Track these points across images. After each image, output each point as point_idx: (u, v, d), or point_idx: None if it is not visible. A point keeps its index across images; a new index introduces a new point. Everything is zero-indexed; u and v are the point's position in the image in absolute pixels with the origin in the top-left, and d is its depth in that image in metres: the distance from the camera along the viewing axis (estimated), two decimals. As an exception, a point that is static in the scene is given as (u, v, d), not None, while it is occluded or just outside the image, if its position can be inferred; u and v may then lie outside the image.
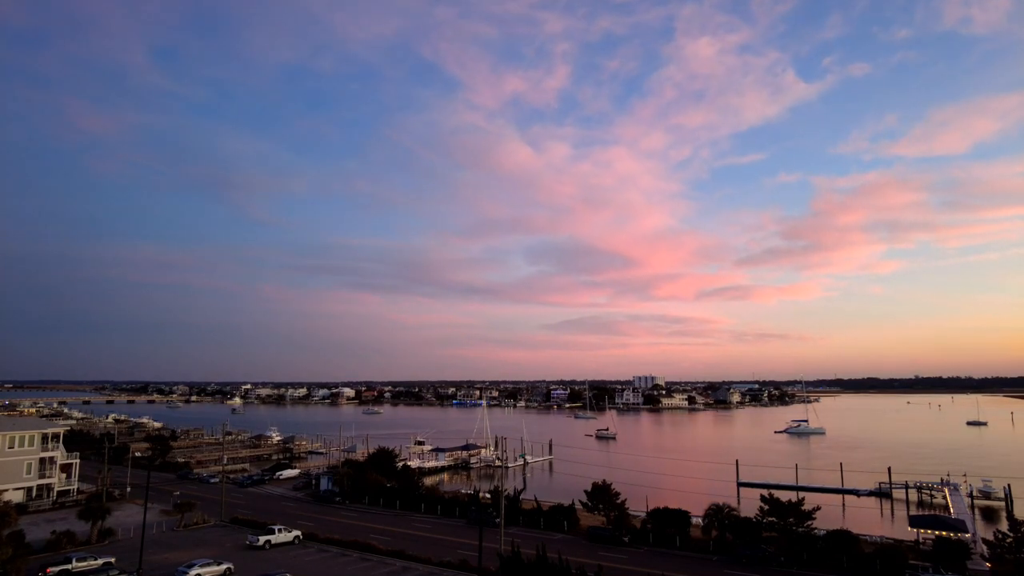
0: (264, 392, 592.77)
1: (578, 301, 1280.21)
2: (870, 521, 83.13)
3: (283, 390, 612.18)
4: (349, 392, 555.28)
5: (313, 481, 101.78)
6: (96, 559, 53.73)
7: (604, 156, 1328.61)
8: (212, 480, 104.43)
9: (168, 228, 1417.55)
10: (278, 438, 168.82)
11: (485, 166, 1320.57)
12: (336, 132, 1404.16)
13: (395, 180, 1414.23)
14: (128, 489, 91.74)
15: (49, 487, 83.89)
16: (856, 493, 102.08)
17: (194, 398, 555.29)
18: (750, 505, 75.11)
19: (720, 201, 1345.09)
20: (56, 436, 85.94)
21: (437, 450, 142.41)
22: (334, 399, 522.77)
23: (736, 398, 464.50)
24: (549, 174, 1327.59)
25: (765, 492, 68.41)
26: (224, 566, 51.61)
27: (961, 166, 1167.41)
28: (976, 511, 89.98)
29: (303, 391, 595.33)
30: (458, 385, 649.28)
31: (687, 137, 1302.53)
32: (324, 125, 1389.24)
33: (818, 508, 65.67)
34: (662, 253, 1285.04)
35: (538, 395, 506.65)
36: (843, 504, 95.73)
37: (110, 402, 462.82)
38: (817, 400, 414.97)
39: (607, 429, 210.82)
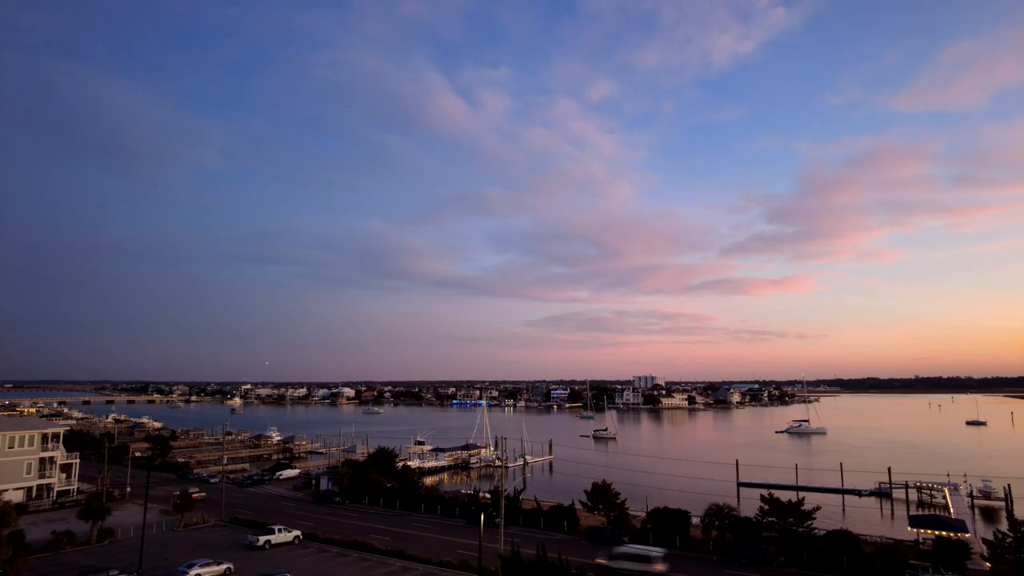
0: (264, 392, 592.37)
1: (559, 296, 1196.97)
2: (870, 521, 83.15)
3: (283, 390, 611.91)
4: (349, 392, 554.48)
5: (313, 481, 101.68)
6: None
7: (550, 112, 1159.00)
8: (212, 480, 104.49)
9: (67, 208, 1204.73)
10: (278, 438, 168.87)
11: (415, 126, 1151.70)
12: (228, 79, 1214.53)
13: (313, 146, 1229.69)
14: (128, 489, 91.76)
15: (49, 487, 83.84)
16: (856, 493, 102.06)
17: (194, 398, 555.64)
18: (750, 505, 75.17)
19: (693, 172, 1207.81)
20: (56, 436, 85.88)
21: (437, 450, 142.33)
22: (334, 399, 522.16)
23: (736, 398, 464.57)
24: (492, 138, 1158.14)
25: (765, 492, 68.51)
26: (224, 566, 51.61)
27: (977, 127, 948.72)
28: (976, 511, 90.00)
29: (303, 391, 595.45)
30: (458, 385, 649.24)
31: (643, 83, 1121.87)
32: (210, 66, 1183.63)
33: (818, 508, 65.86)
34: (638, 240, 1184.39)
35: (538, 395, 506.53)
36: (843, 504, 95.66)
37: (110, 402, 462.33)
38: (817, 400, 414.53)
39: (605, 429, 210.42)
